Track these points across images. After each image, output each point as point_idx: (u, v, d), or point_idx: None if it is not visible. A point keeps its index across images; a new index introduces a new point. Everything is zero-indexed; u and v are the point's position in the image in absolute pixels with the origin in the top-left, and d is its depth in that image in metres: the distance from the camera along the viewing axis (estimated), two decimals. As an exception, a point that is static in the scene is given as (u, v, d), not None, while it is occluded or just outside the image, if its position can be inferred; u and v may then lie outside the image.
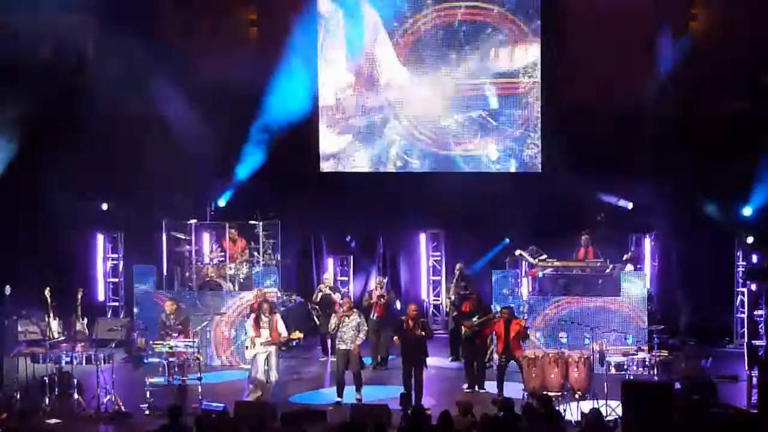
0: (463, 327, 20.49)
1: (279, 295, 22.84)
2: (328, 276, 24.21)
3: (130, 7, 23.67)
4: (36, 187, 23.91)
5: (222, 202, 25.16)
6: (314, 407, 18.02)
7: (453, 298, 22.98)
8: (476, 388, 20.18)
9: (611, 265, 22.47)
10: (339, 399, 19.27)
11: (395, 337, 19.50)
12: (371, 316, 22.01)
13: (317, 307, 23.18)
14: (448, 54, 25.09)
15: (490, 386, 20.06)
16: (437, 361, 21.71)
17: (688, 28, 24.16)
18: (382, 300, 22.31)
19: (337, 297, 23.01)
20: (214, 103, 24.09)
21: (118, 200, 25.56)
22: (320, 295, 23.22)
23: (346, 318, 19.58)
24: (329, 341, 21.89)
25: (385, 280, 23.25)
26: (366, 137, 25.64)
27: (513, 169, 25.14)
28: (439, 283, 25.62)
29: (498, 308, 20.88)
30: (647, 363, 19.20)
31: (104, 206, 25.63)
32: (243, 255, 23.68)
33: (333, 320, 19.93)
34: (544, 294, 22.27)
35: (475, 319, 20.38)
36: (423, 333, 19.28)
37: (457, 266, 23.48)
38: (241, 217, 24.05)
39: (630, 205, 24.41)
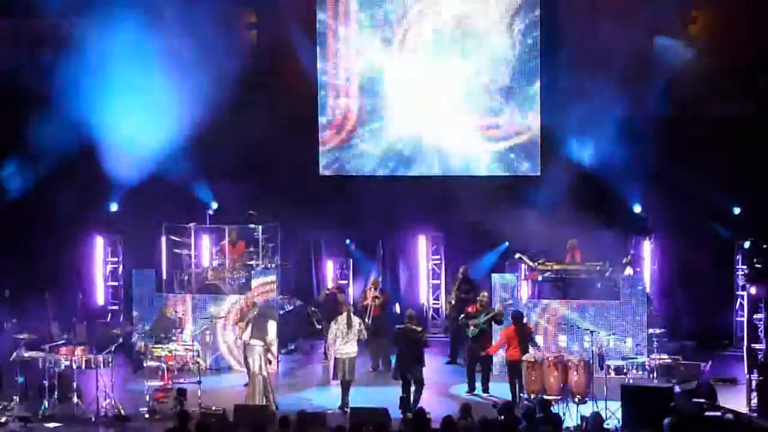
0: (470, 325, 20.46)
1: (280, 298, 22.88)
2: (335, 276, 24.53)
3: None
4: (36, 190, 23.99)
5: (215, 205, 25.08)
6: (314, 411, 17.97)
7: (453, 302, 22.98)
8: (480, 390, 20.24)
9: (610, 268, 22.45)
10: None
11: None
12: (365, 317, 21.89)
13: (316, 310, 23.18)
14: (448, 57, 25.14)
15: (494, 389, 20.13)
16: (436, 363, 21.73)
17: (686, 30, 24.18)
18: (377, 300, 22.27)
19: (341, 297, 23.02)
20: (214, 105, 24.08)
21: (117, 204, 25.54)
22: (325, 293, 23.26)
23: (348, 327, 19.55)
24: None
25: (380, 280, 23.26)
26: (366, 140, 25.63)
27: (513, 172, 25.14)
28: (438, 286, 25.62)
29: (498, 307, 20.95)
30: (647, 366, 19.20)
31: (113, 207, 25.56)
32: (242, 258, 23.67)
33: (333, 329, 19.80)
34: (544, 297, 22.25)
35: (482, 317, 20.39)
36: (421, 335, 19.35)
37: (460, 270, 23.48)
38: (239, 220, 24.03)
39: (638, 209, 24.41)
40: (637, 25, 23.69)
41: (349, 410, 18.39)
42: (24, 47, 24.05)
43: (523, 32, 24.83)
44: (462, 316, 20.98)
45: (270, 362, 19.57)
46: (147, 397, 19.08)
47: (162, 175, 24.18)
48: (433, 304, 25.87)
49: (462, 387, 20.61)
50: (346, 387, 19.36)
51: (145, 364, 20.66)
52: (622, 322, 21.29)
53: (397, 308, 21.54)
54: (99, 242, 25.81)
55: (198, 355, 20.17)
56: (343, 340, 19.46)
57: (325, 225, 25.41)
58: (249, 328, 19.33)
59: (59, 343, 20.25)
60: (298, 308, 24.13)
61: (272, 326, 20.11)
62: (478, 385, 20.40)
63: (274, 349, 20.12)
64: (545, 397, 17.87)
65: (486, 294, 21.15)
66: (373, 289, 22.62)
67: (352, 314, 19.80)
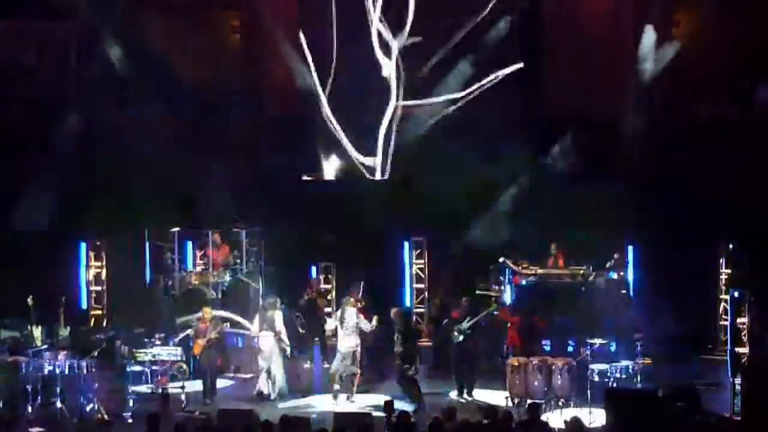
0: (453, 331, 20.47)
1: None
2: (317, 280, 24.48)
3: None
4: (18, 194, 23.95)
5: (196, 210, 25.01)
6: (301, 414, 17.94)
7: (438, 302, 23.12)
8: (465, 394, 20.25)
9: (594, 273, 22.47)
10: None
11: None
12: None
13: (299, 314, 23.14)
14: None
15: (478, 393, 20.15)
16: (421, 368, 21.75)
17: (671, 33, 24.24)
18: (360, 304, 22.27)
19: (321, 302, 23.08)
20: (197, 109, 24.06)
21: (100, 208, 25.46)
22: (306, 298, 23.26)
23: (340, 322, 19.98)
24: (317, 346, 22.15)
25: (362, 285, 23.31)
26: (349, 144, 25.59)
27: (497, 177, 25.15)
28: (422, 290, 25.57)
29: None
30: (630, 370, 19.22)
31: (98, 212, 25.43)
32: (226, 261, 23.62)
33: (331, 323, 20.49)
34: (527, 301, 22.25)
35: (465, 322, 20.37)
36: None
37: (444, 272, 23.66)
38: (223, 224, 24.01)
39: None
40: (621, 27, 23.80)
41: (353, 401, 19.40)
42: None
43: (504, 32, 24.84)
44: (445, 321, 20.99)
45: (284, 350, 20.26)
46: (130, 402, 19.03)
47: (146, 179, 24.13)
48: (417, 308, 25.81)
49: (447, 391, 20.61)
50: (349, 380, 19.97)
51: (128, 369, 20.61)
52: (605, 325, 21.31)
53: (375, 321, 21.24)
54: (82, 246, 25.73)
55: (182, 360, 20.11)
56: (342, 333, 20.01)
57: (310, 229, 25.37)
58: (256, 322, 20.36)
59: (43, 347, 20.20)
60: (283, 313, 24.06)
61: (278, 316, 20.42)
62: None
63: (285, 337, 20.28)
64: (531, 401, 17.85)
65: (466, 304, 21.10)
66: (355, 294, 22.63)
67: (345, 309, 20.23)
